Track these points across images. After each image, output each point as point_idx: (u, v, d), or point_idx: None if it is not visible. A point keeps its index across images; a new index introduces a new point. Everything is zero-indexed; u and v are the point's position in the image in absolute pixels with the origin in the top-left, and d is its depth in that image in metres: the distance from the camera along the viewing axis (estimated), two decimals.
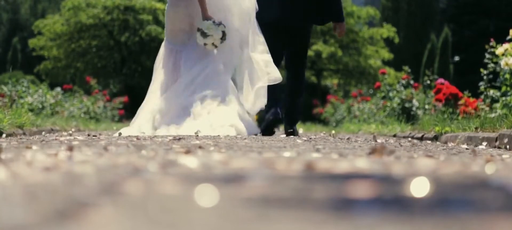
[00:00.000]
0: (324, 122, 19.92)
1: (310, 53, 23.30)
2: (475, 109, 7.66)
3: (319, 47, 24.91)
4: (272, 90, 6.36)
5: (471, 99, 8.24)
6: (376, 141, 5.17)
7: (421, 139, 6.20)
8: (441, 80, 9.13)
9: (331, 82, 27.70)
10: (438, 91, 8.78)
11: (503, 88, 6.89)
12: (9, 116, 5.86)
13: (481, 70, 7.84)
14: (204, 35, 6.27)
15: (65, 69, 26.28)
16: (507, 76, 6.79)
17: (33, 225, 1.05)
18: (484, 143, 4.61)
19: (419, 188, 1.53)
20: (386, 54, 26.16)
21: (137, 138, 4.85)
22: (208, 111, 6.09)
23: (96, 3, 25.47)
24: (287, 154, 2.90)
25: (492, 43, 7.65)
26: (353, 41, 26.11)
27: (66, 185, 1.57)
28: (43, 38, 26.00)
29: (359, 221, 1.12)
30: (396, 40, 26.59)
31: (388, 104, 10.99)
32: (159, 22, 25.25)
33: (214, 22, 6.30)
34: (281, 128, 7.66)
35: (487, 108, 7.37)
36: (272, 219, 1.13)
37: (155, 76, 6.56)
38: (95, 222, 1.07)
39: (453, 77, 27.45)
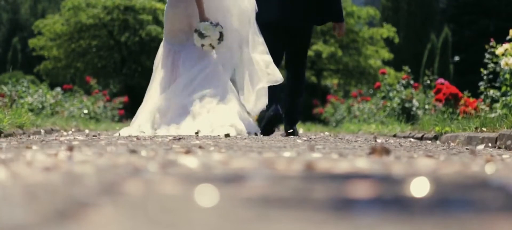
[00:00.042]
0: (324, 122, 19.92)
1: (310, 53, 23.30)
2: (475, 109, 7.66)
3: (319, 47, 24.91)
4: (272, 89, 6.37)
5: (471, 99, 8.24)
6: (376, 141, 5.17)
7: (421, 139, 6.21)
8: (441, 80, 9.13)
9: (331, 82, 27.70)
10: (438, 91, 8.78)
11: (503, 88, 6.89)
12: (9, 116, 5.86)
13: (481, 70, 7.84)
14: (202, 36, 6.27)
15: (65, 69, 26.28)
16: (507, 76, 6.79)
17: (33, 225, 1.05)
18: (484, 143, 4.61)
19: (419, 188, 1.53)
20: (386, 54, 26.16)
21: (137, 138, 4.85)
22: (208, 110, 6.09)
23: (96, 3, 25.46)
24: (287, 154, 2.90)
25: (492, 43, 7.65)
26: (353, 41, 26.11)
27: (66, 185, 1.57)
28: (43, 38, 26.00)
29: (359, 221, 1.12)
30: (396, 40, 26.59)
31: (388, 104, 10.99)
32: (159, 22, 25.24)
33: (211, 23, 6.30)
34: (281, 128, 7.66)
35: (487, 108, 7.38)
36: (272, 219, 1.13)
37: (154, 76, 6.56)
38: (95, 222, 1.07)
39: (453, 77, 27.46)
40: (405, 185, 1.61)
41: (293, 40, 6.49)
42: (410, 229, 1.05)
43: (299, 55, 6.55)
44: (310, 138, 5.42)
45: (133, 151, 2.91)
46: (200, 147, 3.39)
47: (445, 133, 5.89)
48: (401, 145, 4.36)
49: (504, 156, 3.13)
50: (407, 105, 10.39)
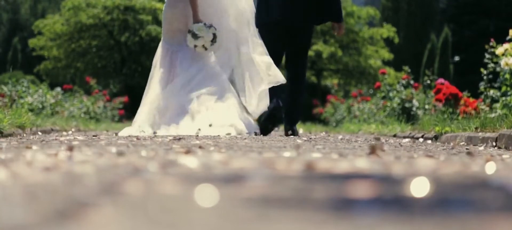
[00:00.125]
0: (324, 122, 19.92)
1: (310, 53, 23.28)
2: (475, 109, 7.66)
3: (319, 47, 24.92)
4: (273, 87, 6.38)
5: (471, 99, 8.24)
6: (379, 140, 5.17)
7: (421, 139, 6.20)
8: (441, 80, 9.13)
9: (331, 82, 27.71)
10: (438, 91, 8.78)
11: (503, 88, 6.89)
12: (9, 116, 5.86)
13: (481, 70, 7.84)
14: (195, 36, 6.28)
15: (65, 69, 26.28)
16: (507, 76, 6.79)
17: (33, 225, 1.05)
18: (484, 143, 4.61)
19: (419, 188, 1.53)
20: (386, 54, 26.17)
21: (137, 138, 4.85)
22: (206, 107, 6.10)
23: (96, 3, 25.47)
24: (287, 154, 2.90)
25: (492, 43, 7.65)
26: (353, 41, 26.12)
27: (66, 185, 1.57)
28: (43, 38, 26.00)
29: (359, 221, 1.12)
30: (396, 40, 26.59)
31: (388, 104, 10.99)
32: (159, 22, 25.24)
33: (205, 24, 6.31)
34: (281, 128, 7.66)
35: (487, 108, 7.37)
36: (272, 219, 1.13)
37: (152, 75, 6.56)
38: (95, 222, 1.07)
39: (453, 77, 27.45)
40: (405, 185, 1.61)
41: (293, 40, 6.50)
42: (410, 229, 1.05)
43: (299, 55, 6.56)
44: (310, 138, 5.42)
45: (133, 151, 2.91)
46: (200, 147, 3.39)
47: (445, 133, 5.89)
48: (401, 145, 4.36)
49: (504, 156, 3.13)
50: (407, 105, 10.39)
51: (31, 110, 9.33)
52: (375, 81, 19.97)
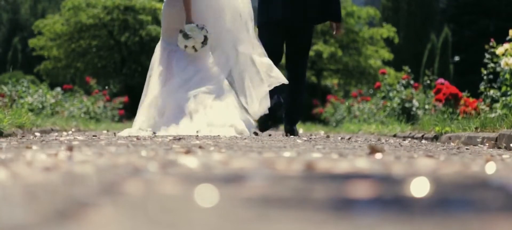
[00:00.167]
0: (324, 122, 19.92)
1: (310, 53, 23.22)
2: (475, 109, 7.66)
3: (319, 47, 24.92)
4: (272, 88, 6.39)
5: (471, 99, 8.24)
6: (380, 140, 5.17)
7: (421, 139, 6.20)
8: (441, 80, 9.13)
9: (331, 82, 27.71)
10: (438, 91, 8.78)
11: (503, 88, 6.89)
12: (9, 116, 5.86)
13: (481, 70, 7.83)
14: (186, 36, 6.25)
15: (65, 69, 26.27)
16: (507, 76, 6.79)
17: (33, 225, 1.05)
18: (484, 143, 4.61)
19: (419, 188, 1.53)
20: (386, 54, 26.16)
21: (137, 138, 4.85)
22: (204, 106, 6.08)
23: (96, 3, 25.47)
24: (287, 154, 2.90)
25: (492, 43, 7.65)
26: (353, 41, 26.11)
27: (66, 185, 1.57)
28: (43, 38, 26.00)
29: (359, 221, 1.12)
30: (396, 40, 26.59)
31: (388, 104, 10.99)
32: (159, 22, 25.22)
33: (197, 25, 6.30)
34: (281, 128, 7.66)
35: (487, 108, 7.37)
36: (272, 219, 1.13)
37: (150, 74, 6.55)
38: (95, 222, 1.07)
39: (453, 77, 27.45)
40: (405, 185, 1.61)
41: (293, 40, 6.50)
42: (410, 229, 1.05)
43: (300, 55, 6.56)
44: (310, 138, 5.42)
45: (133, 151, 2.91)
46: (200, 147, 3.39)
47: (445, 133, 5.89)
48: (401, 145, 4.36)
49: (504, 156, 3.13)
50: (407, 105, 10.39)
51: (31, 110, 9.33)
52: (375, 81, 19.97)
